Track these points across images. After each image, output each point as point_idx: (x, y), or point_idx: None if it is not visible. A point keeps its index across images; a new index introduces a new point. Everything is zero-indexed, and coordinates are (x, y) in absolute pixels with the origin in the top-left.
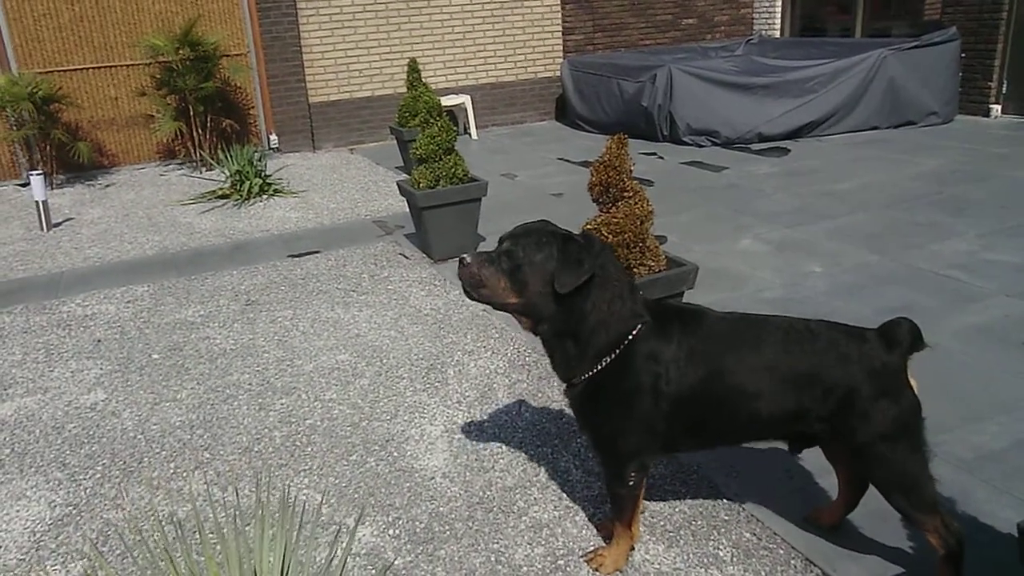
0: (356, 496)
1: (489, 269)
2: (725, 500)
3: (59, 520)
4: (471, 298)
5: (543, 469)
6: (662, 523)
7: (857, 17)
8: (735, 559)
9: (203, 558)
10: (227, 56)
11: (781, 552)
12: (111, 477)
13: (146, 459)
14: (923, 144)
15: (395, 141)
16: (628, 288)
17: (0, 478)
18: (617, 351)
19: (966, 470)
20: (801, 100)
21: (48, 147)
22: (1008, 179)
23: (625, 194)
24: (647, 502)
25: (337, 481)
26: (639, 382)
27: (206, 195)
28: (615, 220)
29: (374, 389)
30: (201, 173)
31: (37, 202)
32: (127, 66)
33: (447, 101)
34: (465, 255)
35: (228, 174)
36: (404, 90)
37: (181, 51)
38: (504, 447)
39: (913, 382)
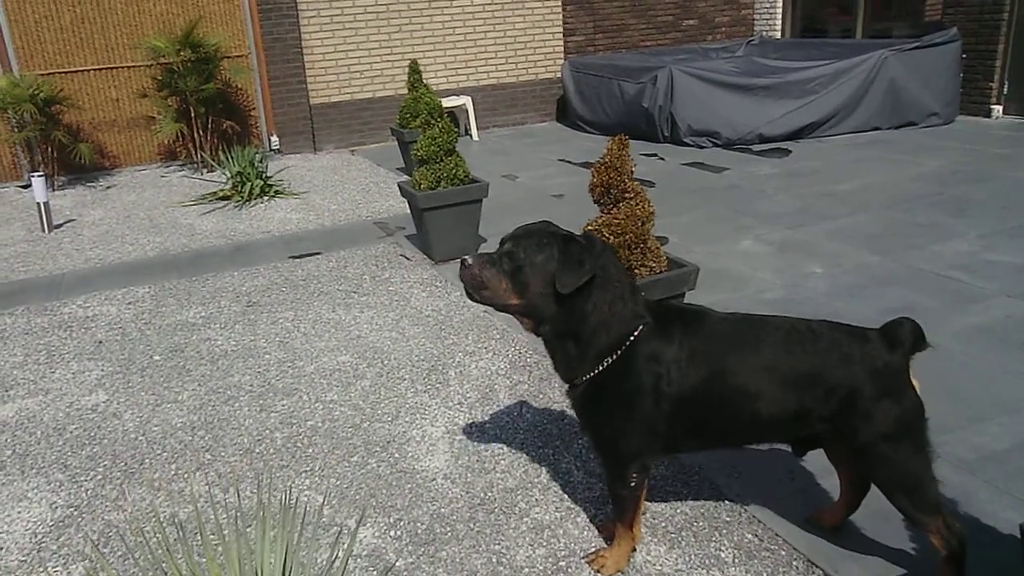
0: (357, 497)
1: (491, 271)
2: (727, 501)
3: (60, 521)
4: (473, 300)
5: (544, 470)
6: (664, 524)
7: (858, 18)
8: (737, 560)
9: (204, 559)
10: (228, 57)
11: (783, 553)
12: (112, 478)
13: (147, 460)
14: (924, 145)
15: (396, 142)
16: (629, 289)
17: (1, 479)
18: (618, 352)
19: (968, 471)
20: (802, 101)
21: (49, 149)
22: (1009, 180)
23: (626, 195)
24: (649, 503)
25: (338, 482)
26: (640, 383)
27: (207, 196)
28: (616, 221)
29: (375, 390)
30: (202, 174)
31: (38, 203)
32: (128, 68)
33: (448, 102)
34: (466, 256)
35: (229, 175)
36: (405, 91)
37: (182, 53)
38: (505, 448)
39: (915, 382)
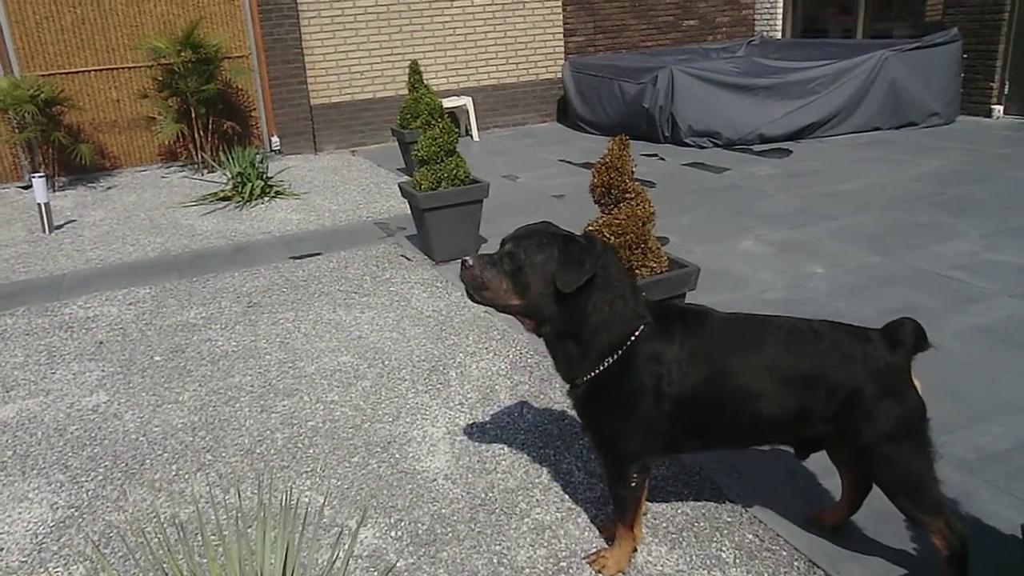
0: (358, 498)
1: (491, 271)
2: (728, 502)
3: (61, 522)
4: (474, 300)
5: (545, 471)
6: (664, 525)
7: (858, 18)
8: (738, 561)
9: (205, 560)
10: (229, 58)
11: (784, 554)
12: (113, 479)
13: (148, 461)
14: (925, 145)
15: (397, 143)
16: (630, 289)
17: (2, 480)
18: (619, 352)
19: (969, 471)
20: (803, 101)
21: (50, 149)
22: (1010, 180)
23: (627, 195)
24: (649, 503)
25: (339, 483)
26: (641, 383)
27: (208, 197)
28: (617, 221)
29: (376, 391)
30: (203, 175)
31: (39, 204)
32: (129, 68)
33: (448, 103)
34: (467, 257)
35: (230, 176)
36: (405, 92)
37: (183, 53)
38: (506, 449)
39: (917, 382)
